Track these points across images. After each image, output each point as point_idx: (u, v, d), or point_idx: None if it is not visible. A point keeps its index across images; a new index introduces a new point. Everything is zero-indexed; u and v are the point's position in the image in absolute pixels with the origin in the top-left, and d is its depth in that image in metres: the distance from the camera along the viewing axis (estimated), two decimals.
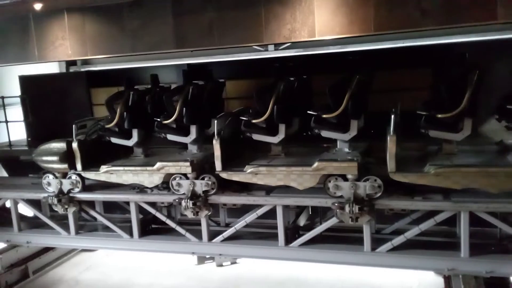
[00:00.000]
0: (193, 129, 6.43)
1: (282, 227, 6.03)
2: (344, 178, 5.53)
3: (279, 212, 5.99)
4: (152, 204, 6.75)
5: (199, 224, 6.45)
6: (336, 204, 5.50)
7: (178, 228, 6.62)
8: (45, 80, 8.93)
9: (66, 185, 6.86)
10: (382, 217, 6.06)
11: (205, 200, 6.18)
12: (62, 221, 7.35)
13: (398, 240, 5.63)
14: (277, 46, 7.78)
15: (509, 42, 6.83)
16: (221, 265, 8.49)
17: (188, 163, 6.10)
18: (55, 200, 6.79)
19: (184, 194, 6.21)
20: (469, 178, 5.11)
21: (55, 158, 6.73)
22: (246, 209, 6.46)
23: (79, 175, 6.78)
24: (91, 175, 6.73)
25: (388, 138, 5.18)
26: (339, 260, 6.05)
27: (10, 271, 8.07)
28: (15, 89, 8.90)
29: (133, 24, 6.48)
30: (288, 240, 6.07)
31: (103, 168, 6.59)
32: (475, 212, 5.26)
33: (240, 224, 6.35)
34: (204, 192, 6.17)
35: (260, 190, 6.17)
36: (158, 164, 6.26)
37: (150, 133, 6.77)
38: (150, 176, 6.35)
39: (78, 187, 6.85)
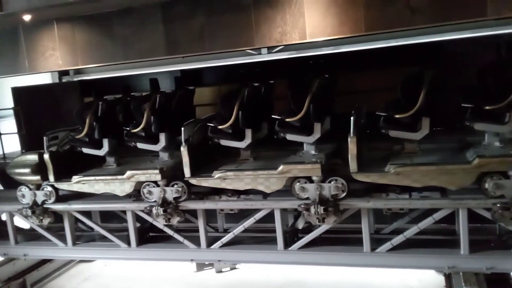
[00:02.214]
0: (162, 137, 6.51)
1: (280, 230, 6.01)
2: (310, 180, 5.61)
3: (277, 215, 5.97)
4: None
5: (197, 231, 6.42)
6: (302, 206, 5.57)
7: (176, 236, 6.58)
8: (38, 91, 8.89)
9: (40, 196, 6.89)
10: (381, 217, 6.04)
11: (176, 207, 6.22)
12: (59, 232, 7.29)
13: (398, 239, 5.62)
14: (270, 49, 7.76)
15: (481, 40, 6.87)
16: (220, 271, 8.44)
17: (157, 171, 6.16)
18: (29, 212, 6.81)
19: (156, 201, 6.25)
20: (428, 176, 5.19)
21: (27, 170, 6.79)
22: (244, 214, 6.43)
23: (52, 186, 6.81)
24: (63, 186, 6.77)
25: (349, 140, 5.30)
26: (339, 261, 6.05)
27: (8, 285, 7.98)
28: (8, 101, 8.85)
29: (124, 32, 6.45)
30: (287, 243, 6.06)
31: (75, 178, 6.64)
32: (473, 208, 5.25)
33: (238, 229, 6.31)
34: (175, 198, 6.22)
35: (258, 194, 6.14)
36: (128, 173, 6.32)
37: (121, 142, 6.82)
38: (121, 185, 6.41)
39: (52, 198, 6.88)
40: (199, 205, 6.31)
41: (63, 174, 6.77)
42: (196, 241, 6.45)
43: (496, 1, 4.92)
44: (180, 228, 7.06)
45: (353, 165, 5.36)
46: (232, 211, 6.36)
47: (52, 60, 6.92)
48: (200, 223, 6.36)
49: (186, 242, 6.51)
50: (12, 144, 8.76)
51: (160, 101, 6.47)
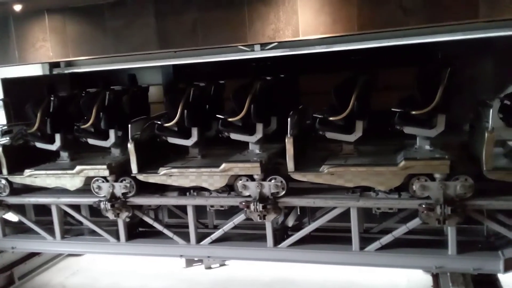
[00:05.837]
0: (111, 133, 6.59)
1: (270, 228, 6.00)
2: (252, 178, 5.74)
3: None
4: (139, 207, 6.67)
5: (187, 227, 6.39)
6: (243, 203, 5.69)
7: (166, 231, 6.55)
8: (27, 83, 8.77)
9: None
10: (370, 216, 6.06)
11: (124, 202, 6.31)
12: (47, 225, 7.23)
13: (386, 239, 5.63)
14: (263, 46, 7.74)
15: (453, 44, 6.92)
16: (209, 268, 8.43)
17: (105, 166, 6.24)
18: None
19: (105, 196, 6.33)
20: (360, 176, 5.37)
21: None
22: (235, 210, 6.41)
23: (6, 179, 6.91)
24: (16, 179, 6.89)
25: (286, 140, 5.46)
26: (328, 260, 6.04)
27: None
28: None
29: (115, 25, 6.41)
30: (277, 241, 6.05)
31: (27, 172, 6.74)
32: None
33: (228, 225, 6.29)
34: (123, 194, 6.30)
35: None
36: (78, 168, 6.43)
37: (75, 137, 6.87)
38: (71, 180, 6.51)
39: (6, 191, 6.98)
40: (173, 201, 6.42)
41: (17, 168, 6.87)
42: (185, 237, 6.43)
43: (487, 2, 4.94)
44: (169, 223, 7.03)
45: (290, 164, 5.54)
46: (222, 208, 6.33)
47: (42, 52, 6.86)
48: (190, 219, 6.32)
49: (175, 237, 6.49)
50: None
51: (109, 98, 6.55)
